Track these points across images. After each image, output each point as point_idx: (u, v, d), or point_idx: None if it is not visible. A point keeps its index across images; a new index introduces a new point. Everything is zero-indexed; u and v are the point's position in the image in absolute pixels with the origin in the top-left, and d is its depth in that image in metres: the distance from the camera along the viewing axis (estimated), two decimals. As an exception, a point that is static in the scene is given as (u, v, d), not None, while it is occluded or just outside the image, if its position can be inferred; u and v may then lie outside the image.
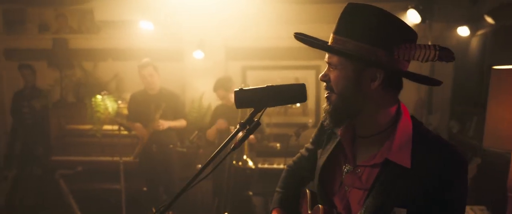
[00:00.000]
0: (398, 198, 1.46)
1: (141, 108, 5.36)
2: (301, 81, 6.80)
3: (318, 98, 6.97)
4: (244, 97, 1.60)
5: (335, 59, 1.55)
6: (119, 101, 6.59)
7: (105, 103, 6.44)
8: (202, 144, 5.61)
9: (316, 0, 6.53)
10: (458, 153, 1.48)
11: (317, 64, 6.87)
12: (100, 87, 6.77)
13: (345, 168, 1.68)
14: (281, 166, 5.95)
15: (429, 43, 1.46)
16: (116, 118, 6.32)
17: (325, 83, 1.61)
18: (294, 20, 6.56)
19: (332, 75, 1.57)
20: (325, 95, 1.61)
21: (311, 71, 6.92)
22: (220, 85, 5.26)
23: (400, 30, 1.51)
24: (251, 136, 5.07)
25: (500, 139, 2.89)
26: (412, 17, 5.87)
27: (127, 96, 5.99)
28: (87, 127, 6.61)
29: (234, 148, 1.58)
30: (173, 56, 6.92)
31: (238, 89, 1.61)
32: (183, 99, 6.41)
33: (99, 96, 6.39)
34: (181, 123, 5.55)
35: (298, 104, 6.29)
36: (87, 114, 6.52)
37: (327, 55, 1.59)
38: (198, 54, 6.49)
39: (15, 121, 6.96)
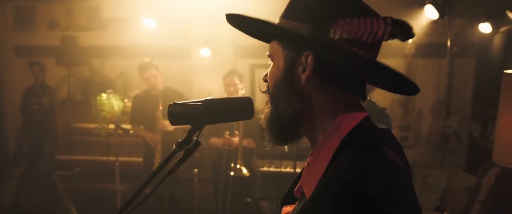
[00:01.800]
0: None
1: (145, 109, 5.21)
2: None
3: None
4: (179, 113, 1.39)
5: (270, 48, 1.26)
6: (126, 100, 6.47)
7: (111, 102, 6.29)
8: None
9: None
10: (363, 192, 0.95)
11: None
12: (107, 85, 6.66)
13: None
14: (289, 169, 5.72)
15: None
16: (122, 116, 6.24)
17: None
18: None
19: (268, 71, 1.27)
20: (265, 107, 1.28)
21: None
22: (232, 72, 5.02)
23: (342, 2, 1.16)
24: (248, 141, 4.92)
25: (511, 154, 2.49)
26: (430, 13, 5.57)
27: (134, 94, 5.90)
28: (93, 125, 6.52)
29: (170, 172, 1.39)
30: (180, 54, 6.76)
31: (172, 103, 1.40)
32: (190, 98, 6.25)
33: (104, 95, 6.27)
34: None
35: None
36: (92, 112, 6.42)
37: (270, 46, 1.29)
38: (205, 52, 6.32)
39: (25, 118, 6.96)
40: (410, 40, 6.07)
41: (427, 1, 5.53)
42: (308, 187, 1.11)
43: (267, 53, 1.28)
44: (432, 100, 6.50)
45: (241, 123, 4.68)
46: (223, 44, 6.51)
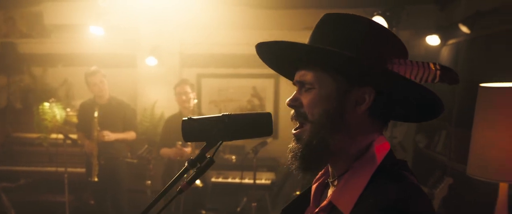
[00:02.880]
0: None
1: (89, 118, 5.10)
2: (259, 91, 6.80)
3: (276, 109, 6.70)
4: (194, 129, 1.33)
5: (310, 75, 1.24)
6: (68, 109, 6.33)
7: (53, 111, 6.17)
8: (152, 159, 5.35)
9: (276, 5, 6.27)
10: (401, 209, 1.08)
11: (276, 73, 6.62)
12: (49, 94, 6.50)
13: None
14: (237, 180, 5.72)
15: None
16: (64, 126, 6.10)
17: (293, 112, 1.30)
18: (253, 26, 6.31)
19: (306, 98, 1.25)
20: (294, 131, 1.29)
21: (269, 80, 6.66)
22: (183, 81, 4.97)
23: (392, 42, 1.24)
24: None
25: (487, 168, 2.48)
26: (378, 24, 5.64)
27: (77, 104, 5.80)
28: (35, 135, 6.33)
29: (180, 191, 1.33)
30: (126, 62, 6.65)
31: (186, 118, 1.34)
32: (135, 108, 6.17)
33: (46, 104, 6.12)
34: (130, 135, 5.33)
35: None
36: (34, 122, 6.23)
37: (298, 73, 1.29)
38: (151, 61, 6.24)
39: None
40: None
41: (375, 13, 5.61)
42: (343, 206, 1.17)
43: (297, 78, 1.29)
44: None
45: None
46: (170, 53, 6.45)
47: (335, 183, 1.29)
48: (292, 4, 6.07)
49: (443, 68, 1.19)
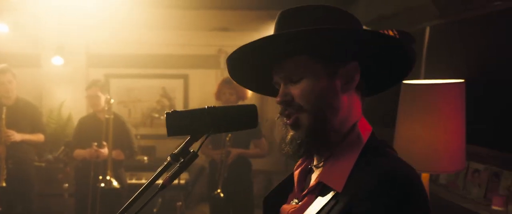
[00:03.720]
0: None
1: None
2: (168, 91, 6.82)
3: (186, 109, 6.74)
4: (179, 122, 1.28)
5: (296, 66, 1.25)
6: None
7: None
8: (69, 161, 5.19)
9: (187, 5, 6.31)
10: (398, 180, 1.12)
11: (185, 73, 6.71)
12: None
13: (291, 202, 1.39)
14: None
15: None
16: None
17: (283, 107, 1.29)
18: (162, 26, 6.30)
19: (297, 89, 1.25)
20: (288, 121, 1.28)
21: (179, 81, 6.72)
22: (94, 83, 4.86)
23: (353, 17, 1.29)
24: (117, 152, 4.84)
25: (411, 161, 2.73)
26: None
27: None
28: None
29: (163, 187, 1.26)
30: (30, 62, 6.38)
31: (170, 111, 1.29)
32: (41, 109, 5.93)
33: None
34: (37, 137, 5.10)
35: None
36: None
37: (280, 70, 1.29)
38: (57, 60, 6.04)
39: None
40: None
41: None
42: (334, 183, 1.18)
43: (284, 73, 1.29)
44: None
45: (110, 133, 4.61)
46: (76, 53, 6.29)
47: (320, 165, 1.31)
48: (201, 4, 6.15)
49: (399, 32, 1.25)
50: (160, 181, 1.26)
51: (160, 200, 5.69)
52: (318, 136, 1.26)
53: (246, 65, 1.38)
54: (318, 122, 1.25)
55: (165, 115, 1.29)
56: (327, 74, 1.25)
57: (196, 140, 1.29)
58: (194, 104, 6.74)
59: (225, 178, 4.58)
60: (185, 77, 6.70)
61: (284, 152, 1.34)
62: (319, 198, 1.22)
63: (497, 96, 3.52)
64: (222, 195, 4.54)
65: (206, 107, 1.30)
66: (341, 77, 1.25)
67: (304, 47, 1.25)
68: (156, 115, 6.52)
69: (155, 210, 5.55)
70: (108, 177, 4.64)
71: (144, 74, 6.65)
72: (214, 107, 1.30)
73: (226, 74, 6.60)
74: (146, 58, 6.55)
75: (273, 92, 1.39)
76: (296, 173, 1.42)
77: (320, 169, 1.31)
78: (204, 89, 6.70)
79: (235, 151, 4.61)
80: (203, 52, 6.69)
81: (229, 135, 4.53)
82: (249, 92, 4.72)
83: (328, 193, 1.19)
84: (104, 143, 4.66)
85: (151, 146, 6.21)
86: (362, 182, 1.13)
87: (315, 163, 1.36)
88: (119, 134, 4.78)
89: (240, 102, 4.73)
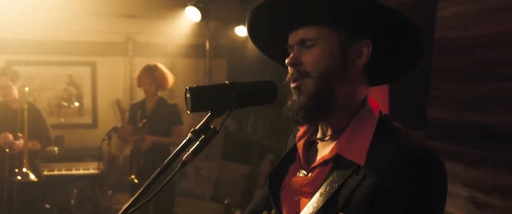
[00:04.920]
0: (342, 202, 1.20)
1: None
2: (75, 79, 6.53)
3: (94, 97, 6.50)
4: (202, 98, 1.26)
5: (312, 32, 1.27)
6: None
7: None
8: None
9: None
10: (425, 156, 1.17)
11: (92, 60, 6.43)
12: None
13: (297, 174, 1.41)
14: (64, 172, 5.57)
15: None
16: None
17: (292, 71, 1.32)
18: (69, 11, 5.96)
19: (308, 56, 1.28)
20: (293, 84, 1.31)
21: (86, 68, 6.42)
22: (3, 72, 4.51)
23: None
24: (33, 143, 4.56)
25: None
26: (191, 15, 5.85)
27: None
28: None
29: (184, 164, 1.26)
30: None
31: (193, 87, 1.25)
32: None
33: None
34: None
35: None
36: None
37: (296, 33, 1.31)
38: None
39: None
40: (171, 40, 6.40)
41: (188, 3, 5.83)
42: (354, 156, 1.22)
43: (297, 38, 1.31)
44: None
45: (25, 124, 4.34)
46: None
47: (327, 139, 1.36)
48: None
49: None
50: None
51: (75, 191, 5.48)
52: (320, 103, 1.28)
53: (264, 24, 1.39)
54: (322, 90, 1.27)
55: (187, 90, 1.26)
56: (340, 45, 1.27)
57: (218, 116, 1.29)
58: (102, 93, 6.51)
59: (142, 165, 4.47)
60: (93, 65, 6.44)
61: (283, 118, 1.37)
62: (337, 171, 1.24)
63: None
64: (136, 180, 4.43)
65: (227, 82, 1.29)
66: (354, 51, 1.29)
67: (325, 15, 1.28)
68: (65, 104, 6.22)
69: (72, 202, 5.35)
70: (24, 170, 4.37)
71: (49, 61, 6.26)
72: (235, 82, 1.30)
73: (134, 62, 6.53)
74: (51, 44, 6.17)
75: (277, 60, 1.47)
76: (300, 144, 1.43)
77: (326, 142, 1.36)
78: (112, 77, 6.52)
79: (150, 138, 4.49)
80: (111, 39, 6.47)
81: (144, 120, 4.43)
82: (170, 83, 4.66)
83: (347, 166, 1.23)
84: (20, 134, 4.39)
85: (59, 136, 5.90)
86: (388, 158, 1.17)
87: (319, 135, 1.41)
88: (34, 123, 4.52)
89: (160, 93, 4.67)
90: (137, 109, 4.60)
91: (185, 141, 1.27)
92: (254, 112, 6.58)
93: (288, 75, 1.34)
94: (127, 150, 5.14)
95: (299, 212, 1.31)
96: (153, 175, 1.27)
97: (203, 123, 1.27)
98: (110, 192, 4.42)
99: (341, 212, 1.19)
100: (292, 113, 1.32)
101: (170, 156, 1.26)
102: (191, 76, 6.89)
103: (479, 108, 2.71)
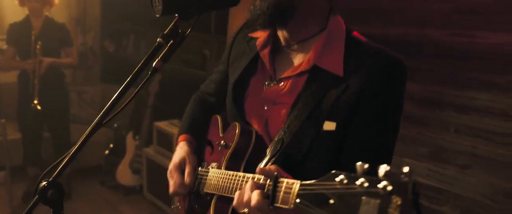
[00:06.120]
0: (327, 110, 1.26)
1: None
2: None
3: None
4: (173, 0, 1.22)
5: None
6: None
7: None
8: None
9: None
10: (396, 57, 1.28)
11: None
12: None
13: (265, 84, 1.44)
14: None
15: None
16: None
17: None
18: None
19: None
20: None
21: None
22: None
23: None
24: None
25: None
26: None
27: None
28: None
29: (155, 70, 1.23)
30: None
31: None
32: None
33: None
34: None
35: None
36: None
37: None
38: None
39: None
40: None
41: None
42: (331, 66, 1.29)
43: None
44: (67, 18, 6.47)
45: None
46: None
47: (295, 47, 1.40)
48: None
49: None
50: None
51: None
52: (281, 9, 1.30)
53: None
54: None
55: None
56: None
57: (184, 20, 1.26)
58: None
59: (39, 90, 4.31)
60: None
61: (245, 21, 1.42)
62: (316, 81, 1.31)
63: None
64: (39, 107, 4.29)
65: None
66: None
67: None
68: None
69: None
70: None
71: None
72: None
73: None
74: None
75: None
76: (264, 53, 1.45)
77: (294, 52, 1.41)
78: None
79: (47, 60, 4.31)
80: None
81: (39, 42, 4.22)
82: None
83: (325, 77, 1.29)
84: None
85: None
86: (367, 67, 1.26)
87: (283, 43, 1.43)
88: None
89: (47, 10, 4.43)
90: (20, 29, 4.35)
91: (154, 46, 1.24)
92: (134, 32, 6.44)
93: None
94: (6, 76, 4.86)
95: (270, 122, 1.39)
96: (124, 84, 1.24)
97: (171, 27, 1.25)
98: (3, 120, 4.16)
99: (327, 120, 1.27)
100: (252, 16, 1.35)
101: (140, 64, 1.23)
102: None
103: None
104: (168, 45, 1.24)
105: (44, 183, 1.14)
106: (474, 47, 2.72)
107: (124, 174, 4.99)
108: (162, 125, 4.71)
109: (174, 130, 4.53)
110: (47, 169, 1.19)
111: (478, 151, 2.75)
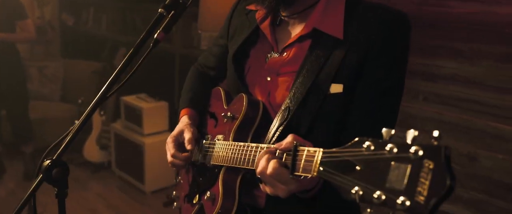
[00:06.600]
0: (332, 73, 1.26)
1: None
2: None
3: None
4: None
5: None
6: None
7: None
8: None
9: None
10: (397, 11, 1.28)
11: None
12: None
13: (267, 56, 1.44)
14: None
15: None
16: None
17: None
18: None
19: None
20: None
21: None
22: None
23: None
24: None
25: (218, 22, 2.93)
26: None
27: None
28: None
29: (156, 42, 1.24)
30: None
31: None
32: None
33: None
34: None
35: None
36: None
37: None
38: None
39: None
40: None
41: None
42: (331, 29, 1.29)
43: None
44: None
45: None
46: None
47: (295, 16, 1.40)
48: None
49: None
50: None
51: None
52: None
53: None
54: None
55: None
56: None
57: None
58: None
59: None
60: None
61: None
62: (319, 47, 1.30)
63: None
64: None
65: None
66: None
67: None
68: None
69: None
70: None
71: None
72: None
73: None
74: None
75: None
76: (265, 25, 1.45)
77: (295, 20, 1.41)
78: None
79: None
80: None
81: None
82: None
83: (326, 41, 1.29)
84: None
85: None
86: (369, 27, 1.26)
87: (284, 14, 1.43)
88: None
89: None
90: None
91: (156, 17, 1.25)
92: (94, 5, 6.31)
93: None
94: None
95: (276, 92, 1.39)
96: (126, 58, 1.25)
97: None
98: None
99: (333, 82, 1.26)
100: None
101: (143, 35, 1.23)
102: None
103: None
104: (169, 16, 1.24)
105: (47, 161, 1.12)
106: (442, 17, 2.80)
107: (91, 151, 4.93)
108: (130, 99, 4.63)
109: (142, 104, 4.48)
110: (49, 148, 1.18)
111: (444, 117, 2.86)
